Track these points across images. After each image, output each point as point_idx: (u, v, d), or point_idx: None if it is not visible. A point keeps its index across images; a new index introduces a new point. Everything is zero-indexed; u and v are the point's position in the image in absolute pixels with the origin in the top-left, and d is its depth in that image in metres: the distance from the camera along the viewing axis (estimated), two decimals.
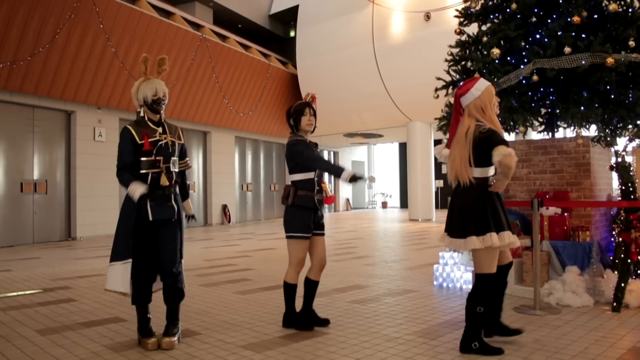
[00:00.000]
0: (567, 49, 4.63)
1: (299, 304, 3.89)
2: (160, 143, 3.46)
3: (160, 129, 3.51)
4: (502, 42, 5.21)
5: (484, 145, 3.06)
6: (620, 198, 4.69)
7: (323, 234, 3.77)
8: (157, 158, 3.43)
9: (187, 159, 3.72)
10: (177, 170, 3.54)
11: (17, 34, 9.62)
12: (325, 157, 3.96)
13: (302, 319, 3.75)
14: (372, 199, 25.91)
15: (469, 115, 3.19)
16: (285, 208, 3.70)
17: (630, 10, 4.85)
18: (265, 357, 3.16)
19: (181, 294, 3.48)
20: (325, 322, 3.82)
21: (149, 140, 3.41)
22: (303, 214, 3.61)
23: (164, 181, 3.42)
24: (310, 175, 3.65)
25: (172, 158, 3.50)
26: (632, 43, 4.60)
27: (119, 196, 12.34)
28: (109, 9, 10.97)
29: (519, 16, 5.17)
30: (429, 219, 16.00)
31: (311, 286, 3.77)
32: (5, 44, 9.53)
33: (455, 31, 5.85)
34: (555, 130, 5.58)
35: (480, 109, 3.16)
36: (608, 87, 4.74)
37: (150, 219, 3.37)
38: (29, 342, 3.57)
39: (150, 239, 3.42)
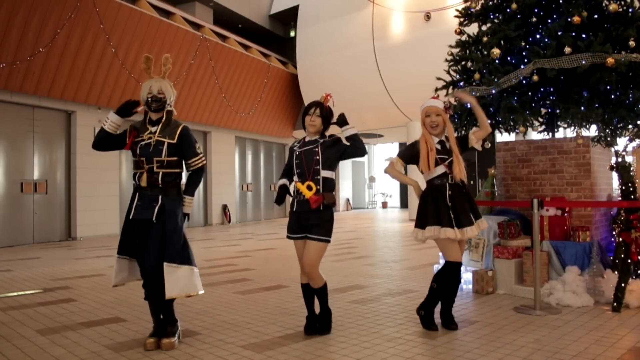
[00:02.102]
0: (567, 49, 4.63)
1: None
2: (142, 143, 3.43)
3: (154, 128, 3.46)
4: (502, 42, 5.21)
5: None
6: (620, 198, 4.69)
7: (313, 238, 3.51)
8: (141, 158, 3.41)
9: (197, 158, 3.51)
10: (163, 170, 3.39)
11: (17, 34, 9.62)
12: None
13: (307, 322, 3.70)
14: (372, 199, 25.92)
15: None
16: None
17: (630, 10, 4.85)
18: (265, 357, 3.16)
19: (161, 294, 3.35)
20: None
21: (134, 139, 3.45)
22: (290, 215, 3.65)
23: (143, 181, 3.38)
24: (295, 177, 3.65)
25: (156, 158, 3.39)
26: (632, 43, 4.60)
27: (119, 196, 12.35)
28: (109, 9, 10.97)
29: (519, 16, 5.17)
30: None
31: (304, 290, 3.69)
32: (5, 44, 9.54)
33: (455, 31, 5.85)
34: (555, 130, 5.58)
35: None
36: (608, 87, 4.74)
37: (130, 217, 3.40)
38: (29, 342, 3.57)
39: (141, 237, 3.40)
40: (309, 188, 3.47)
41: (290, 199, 3.67)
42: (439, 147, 3.69)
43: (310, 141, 3.64)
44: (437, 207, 3.62)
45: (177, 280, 3.33)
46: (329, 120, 3.66)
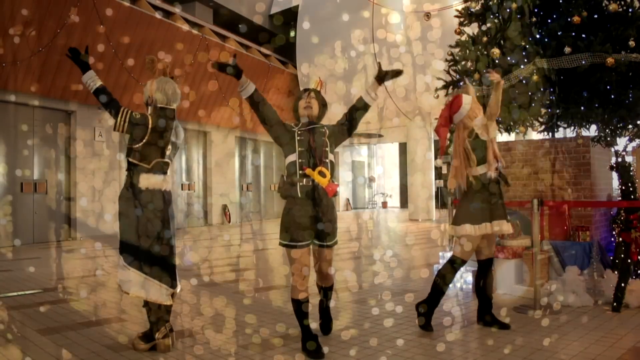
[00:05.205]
0: (567, 49, 4.64)
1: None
2: None
3: None
4: (502, 42, 5.20)
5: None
6: (620, 198, 4.69)
7: (329, 246, 3.22)
8: None
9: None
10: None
11: (17, 34, 9.61)
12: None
13: (304, 336, 3.20)
14: (372, 198, 25.90)
15: (464, 127, 3.77)
16: None
17: (630, 10, 4.85)
18: (265, 357, 3.16)
19: None
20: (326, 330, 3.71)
21: None
22: (289, 211, 3.09)
23: None
24: (291, 157, 3.15)
25: None
26: (632, 43, 4.60)
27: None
28: (109, 9, 10.96)
29: (519, 16, 5.17)
30: (429, 219, 16.00)
31: (301, 306, 3.21)
32: (6, 44, 9.52)
33: (455, 31, 5.85)
34: (555, 130, 5.58)
35: (472, 117, 3.77)
36: (608, 87, 4.74)
37: None
38: (29, 342, 3.57)
39: None
40: (322, 175, 3.04)
41: (280, 185, 3.15)
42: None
43: (313, 122, 3.23)
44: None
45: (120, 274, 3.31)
46: (324, 106, 3.37)
